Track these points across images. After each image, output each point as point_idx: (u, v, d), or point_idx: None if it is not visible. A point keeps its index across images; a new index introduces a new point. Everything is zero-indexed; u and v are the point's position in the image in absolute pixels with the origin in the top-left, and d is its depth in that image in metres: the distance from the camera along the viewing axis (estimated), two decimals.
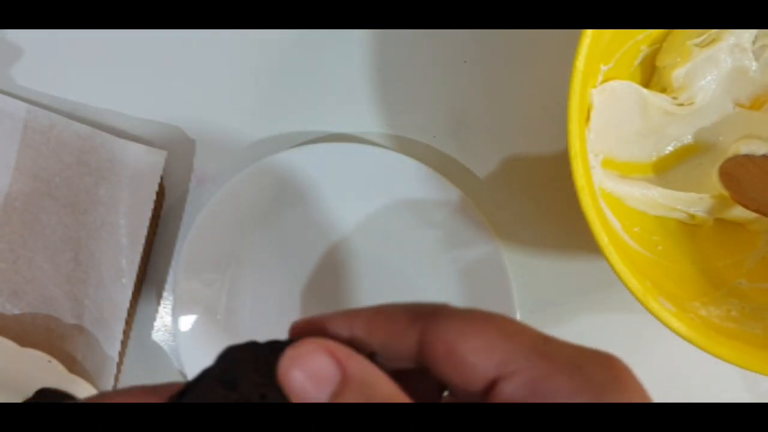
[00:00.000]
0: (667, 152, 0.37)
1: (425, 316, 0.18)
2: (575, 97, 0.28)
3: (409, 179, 0.37)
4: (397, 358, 0.19)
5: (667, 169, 0.37)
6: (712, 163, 0.35)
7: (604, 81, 0.34)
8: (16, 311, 0.38)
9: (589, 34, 0.29)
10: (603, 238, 0.29)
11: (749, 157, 0.34)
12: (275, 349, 0.17)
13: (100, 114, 0.39)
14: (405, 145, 0.39)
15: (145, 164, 0.37)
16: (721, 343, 0.30)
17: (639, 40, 0.35)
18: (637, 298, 0.30)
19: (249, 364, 0.17)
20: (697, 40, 0.34)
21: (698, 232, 0.37)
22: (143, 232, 0.38)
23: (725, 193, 0.35)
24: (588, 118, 0.32)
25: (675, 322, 0.30)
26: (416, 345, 0.18)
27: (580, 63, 0.29)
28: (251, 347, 0.18)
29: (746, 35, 0.34)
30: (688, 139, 0.36)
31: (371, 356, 0.18)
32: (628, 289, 0.30)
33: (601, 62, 0.33)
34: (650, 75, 0.36)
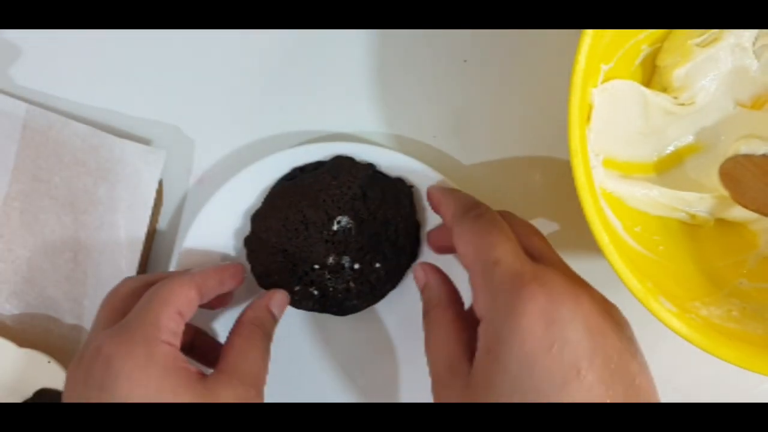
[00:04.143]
0: (668, 152, 0.37)
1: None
2: (576, 96, 0.28)
3: (410, 178, 0.37)
4: None
5: (669, 169, 0.36)
6: (712, 163, 0.35)
7: (605, 80, 0.34)
8: (15, 311, 0.38)
9: (589, 34, 0.28)
10: (603, 238, 0.29)
11: (749, 157, 0.34)
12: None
13: (99, 114, 0.39)
14: (405, 145, 0.39)
15: (144, 164, 0.37)
16: (722, 344, 0.30)
17: (640, 39, 0.35)
18: (638, 299, 0.29)
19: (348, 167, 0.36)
20: (698, 40, 0.34)
21: (699, 232, 0.36)
22: (142, 232, 0.38)
23: (726, 193, 0.35)
24: (589, 118, 0.32)
25: (676, 323, 0.30)
26: None
27: (581, 62, 0.28)
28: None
29: (747, 35, 0.34)
30: (689, 139, 0.36)
31: None
32: (629, 289, 0.29)
33: (602, 61, 0.33)
34: (651, 74, 0.36)
